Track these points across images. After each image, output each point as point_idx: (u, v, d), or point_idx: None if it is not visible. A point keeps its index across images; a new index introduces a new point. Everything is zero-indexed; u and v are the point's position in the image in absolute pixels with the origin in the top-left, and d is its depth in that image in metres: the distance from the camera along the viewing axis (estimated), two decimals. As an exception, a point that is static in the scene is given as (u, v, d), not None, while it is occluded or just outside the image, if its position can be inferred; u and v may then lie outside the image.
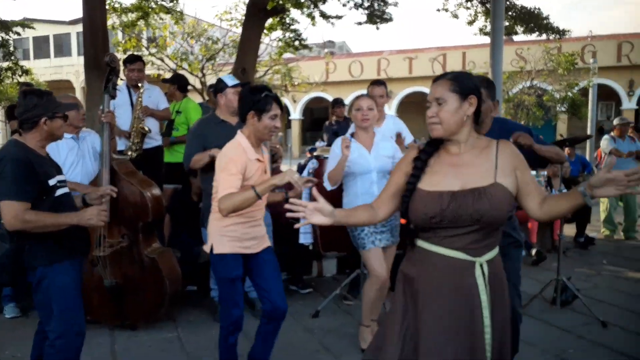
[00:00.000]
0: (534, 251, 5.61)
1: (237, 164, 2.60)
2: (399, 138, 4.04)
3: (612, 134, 6.93)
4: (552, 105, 13.42)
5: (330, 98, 7.85)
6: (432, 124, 1.80)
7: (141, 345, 3.63)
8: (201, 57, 12.50)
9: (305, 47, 10.57)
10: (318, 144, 7.88)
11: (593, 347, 3.56)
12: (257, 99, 2.66)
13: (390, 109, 27.80)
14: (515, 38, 23.99)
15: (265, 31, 8.96)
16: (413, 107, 28.60)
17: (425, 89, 27.00)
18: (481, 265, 1.76)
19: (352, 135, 3.59)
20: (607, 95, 24.17)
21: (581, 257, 6.09)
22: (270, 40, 10.91)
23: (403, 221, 1.91)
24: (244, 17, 8.26)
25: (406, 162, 1.89)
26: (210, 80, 11.29)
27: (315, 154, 4.49)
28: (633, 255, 6.14)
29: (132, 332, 3.80)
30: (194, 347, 3.60)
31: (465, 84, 1.79)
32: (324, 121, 7.54)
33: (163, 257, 3.81)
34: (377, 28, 9.21)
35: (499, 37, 6.13)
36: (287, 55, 12.77)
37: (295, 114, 29.79)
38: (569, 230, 6.73)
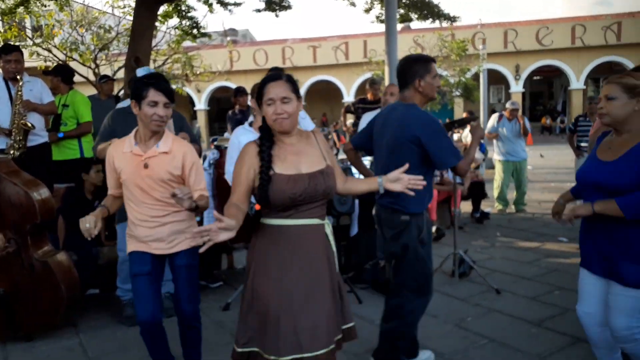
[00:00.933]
0: (434, 228, 5.92)
1: (108, 160, 2.65)
2: None
3: (503, 113, 7.52)
4: (448, 90, 14.18)
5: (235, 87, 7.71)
6: (283, 119, 2.06)
7: (38, 356, 3.39)
8: (93, 46, 11.71)
9: (205, 35, 10.26)
10: (226, 134, 7.73)
11: (489, 313, 3.83)
12: (134, 87, 2.55)
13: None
14: (413, 26, 25.00)
15: (160, 18, 8.58)
16: (319, 96, 29.01)
17: (330, 77, 27.44)
18: (327, 224, 2.21)
19: (251, 124, 3.55)
20: (496, 79, 25.99)
21: (477, 231, 6.52)
22: (167, 29, 10.47)
23: (258, 207, 2.10)
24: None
25: (249, 157, 2.10)
26: (104, 71, 10.66)
27: (215, 144, 4.39)
28: (523, 226, 6.68)
29: (28, 343, 3.54)
30: (97, 352, 3.41)
31: (296, 84, 2.12)
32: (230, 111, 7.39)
33: (56, 261, 3.56)
34: (277, 15, 9.15)
35: (392, 25, 6.32)
36: (187, 43, 12.32)
37: (201, 104, 29.05)
38: (466, 206, 7.18)
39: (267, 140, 2.11)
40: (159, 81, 2.56)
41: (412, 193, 2.21)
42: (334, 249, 2.22)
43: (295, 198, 2.04)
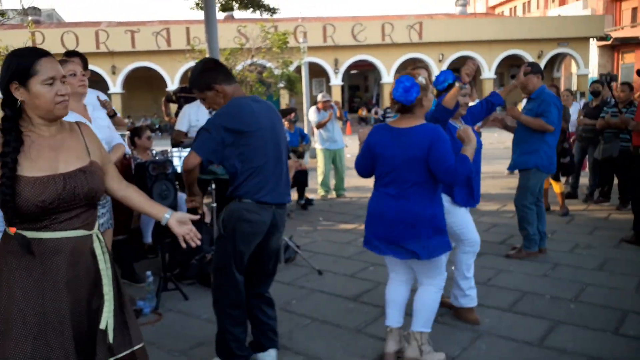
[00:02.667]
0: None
1: None
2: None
3: (317, 106, 7.93)
4: (273, 81, 14.46)
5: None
6: (65, 101, 1.76)
7: None
8: None
9: (-2, 13, 8.97)
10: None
11: (311, 293, 4.04)
12: None
13: (116, 85, 26.06)
14: (236, 16, 24.94)
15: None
16: (141, 84, 27.40)
17: (151, 64, 26.09)
18: (97, 236, 1.88)
19: None
20: (317, 72, 27.32)
21: (302, 217, 6.82)
22: (-53, 3, 8.90)
23: (13, 230, 1.73)
24: None
25: None
26: None
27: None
28: (342, 210, 7.17)
29: None
30: None
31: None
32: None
33: None
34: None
35: (212, 13, 6.22)
36: (-25, 22, 10.62)
37: (-2, 92, 25.39)
38: (292, 194, 7.44)
39: (14, 131, 1.71)
40: None
41: (184, 244, 2.00)
42: (106, 265, 1.87)
43: (44, 207, 1.69)
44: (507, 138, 17.62)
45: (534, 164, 4.53)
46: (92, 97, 3.63)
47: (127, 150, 3.96)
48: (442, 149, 2.61)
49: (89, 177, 1.80)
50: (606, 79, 6.61)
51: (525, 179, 4.61)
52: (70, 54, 3.88)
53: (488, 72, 28.11)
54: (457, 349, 3.02)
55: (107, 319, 1.83)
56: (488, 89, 27.59)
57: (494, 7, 44.57)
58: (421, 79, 2.66)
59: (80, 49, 24.10)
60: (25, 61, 1.71)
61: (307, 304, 3.82)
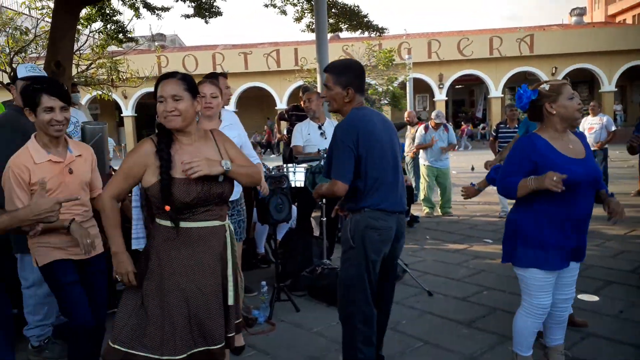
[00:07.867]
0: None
1: (17, 176, 2.42)
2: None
3: (429, 124, 7.80)
4: (377, 98, 14.53)
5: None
6: (173, 116, 2.09)
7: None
8: (8, 49, 10.96)
9: (131, 39, 9.91)
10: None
11: (421, 315, 3.93)
12: (26, 94, 2.48)
13: (229, 104, 27.64)
14: (342, 35, 25.48)
15: (82, 21, 8.19)
16: (252, 103, 28.84)
17: (262, 84, 27.38)
18: (228, 225, 2.27)
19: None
20: (422, 88, 26.98)
21: (408, 234, 6.69)
22: (90, 32, 10.00)
23: (167, 208, 2.09)
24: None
25: (143, 156, 2.12)
26: (21, 75, 10.01)
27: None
28: (450, 229, 6.95)
29: None
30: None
31: (191, 83, 2.16)
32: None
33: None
34: (207, 22, 9.00)
35: (323, 34, 6.41)
36: (113, 48, 11.84)
37: (128, 110, 28.07)
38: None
39: (165, 138, 2.13)
40: (51, 85, 2.48)
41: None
42: (233, 249, 2.25)
43: (187, 202, 2.08)
44: (628, 156, 16.04)
45: None
46: (231, 117, 3.73)
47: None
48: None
49: (222, 181, 2.16)
50: None
51: None
52: (211, 76, 3.97)
53: (608, 85, 26.03)
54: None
55: (232, 297, 2.22)
56: (608, 102, 25.55)
57: (614, 16, 41.28)
58: (544, 86, 2.59)
59: (199, 71, 25.92)
60: None
61: (417, 326, 3.73)
